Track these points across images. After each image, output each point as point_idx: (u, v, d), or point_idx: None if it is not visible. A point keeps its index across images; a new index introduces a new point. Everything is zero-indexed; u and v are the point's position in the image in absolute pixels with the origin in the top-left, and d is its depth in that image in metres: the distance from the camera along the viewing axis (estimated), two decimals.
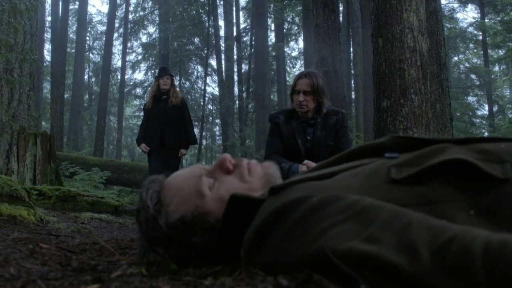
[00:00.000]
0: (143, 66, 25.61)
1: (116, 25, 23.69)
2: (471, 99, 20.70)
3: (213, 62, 24.68)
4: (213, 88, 26.69)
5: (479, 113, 20.60)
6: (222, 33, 22.90)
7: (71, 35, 23.46)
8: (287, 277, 0.74)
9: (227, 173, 1.09)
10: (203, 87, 23.16)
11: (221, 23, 23.18)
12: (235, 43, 22.58)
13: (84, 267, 1.11)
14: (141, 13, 26.10)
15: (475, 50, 24.36)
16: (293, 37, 25.68)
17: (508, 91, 28.97)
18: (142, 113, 6.81)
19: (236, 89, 22.77)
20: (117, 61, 26.79)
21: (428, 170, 0.85)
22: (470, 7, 23.22)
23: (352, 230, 0.73)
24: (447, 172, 0.84)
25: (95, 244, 1.53)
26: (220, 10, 23.16)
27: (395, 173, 0.87)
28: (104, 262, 1.17)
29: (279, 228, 0.83)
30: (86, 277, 0.94)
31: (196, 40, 24.17)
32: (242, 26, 24.68)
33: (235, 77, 22.81)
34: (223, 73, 21.77)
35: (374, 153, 1.04)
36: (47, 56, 23.19)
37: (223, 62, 22.08)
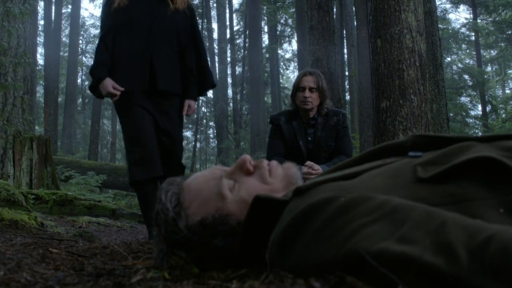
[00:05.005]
0: None
1: None
2: (464, 99, 20.77)
3: None
4: None
5: (472, 113, 20.71)
6: (215, 35, 22.92)
7: (64, 39, 23.36)
8: (319, 279, 0.72)
9: (247, 174, 1.07)
10: None
11: (215, 25, 23.23)
12: (229, 45, 22.60)
13: (100, 272, 1.08)
14: None
15: (467, 51, 24.53)
16: (287, 39, 25.73)
17: (501, 91, 29.18)
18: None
19: (230, 92, 22.80)
20: None
21: (455, 168, 0.83)
22: (462, 7, 23.40)
23: (384, 231, 0.71)
24: (475, 170, 0.83)
25: (105, 248, 1.51)
26: (213, 13, 23.19)
27: (422, 171, 0.86)
28: (119, 266, 1.15)
29: (307, 230, 0.81)
30: (105, 281, 0.92)
31: None
32: (235, 28, 24.73)
33: (229, 80, 22.84)
34: (217, 76, 21.76)
35: (396, 152, 1.02)
36: (40, 60, 23.07)
37: (216, 64, 22.08)
